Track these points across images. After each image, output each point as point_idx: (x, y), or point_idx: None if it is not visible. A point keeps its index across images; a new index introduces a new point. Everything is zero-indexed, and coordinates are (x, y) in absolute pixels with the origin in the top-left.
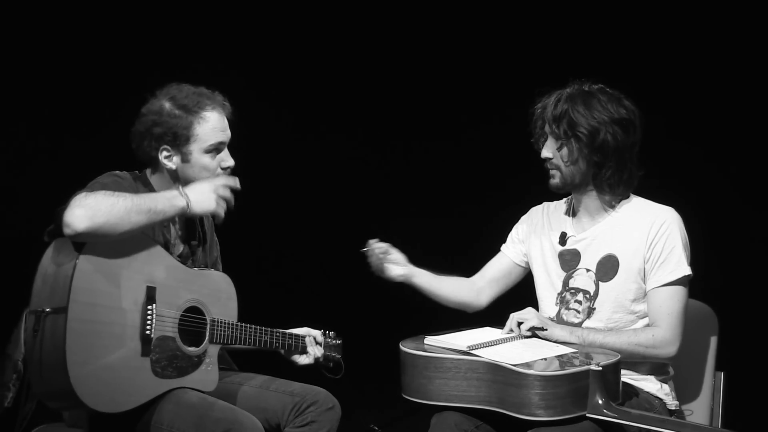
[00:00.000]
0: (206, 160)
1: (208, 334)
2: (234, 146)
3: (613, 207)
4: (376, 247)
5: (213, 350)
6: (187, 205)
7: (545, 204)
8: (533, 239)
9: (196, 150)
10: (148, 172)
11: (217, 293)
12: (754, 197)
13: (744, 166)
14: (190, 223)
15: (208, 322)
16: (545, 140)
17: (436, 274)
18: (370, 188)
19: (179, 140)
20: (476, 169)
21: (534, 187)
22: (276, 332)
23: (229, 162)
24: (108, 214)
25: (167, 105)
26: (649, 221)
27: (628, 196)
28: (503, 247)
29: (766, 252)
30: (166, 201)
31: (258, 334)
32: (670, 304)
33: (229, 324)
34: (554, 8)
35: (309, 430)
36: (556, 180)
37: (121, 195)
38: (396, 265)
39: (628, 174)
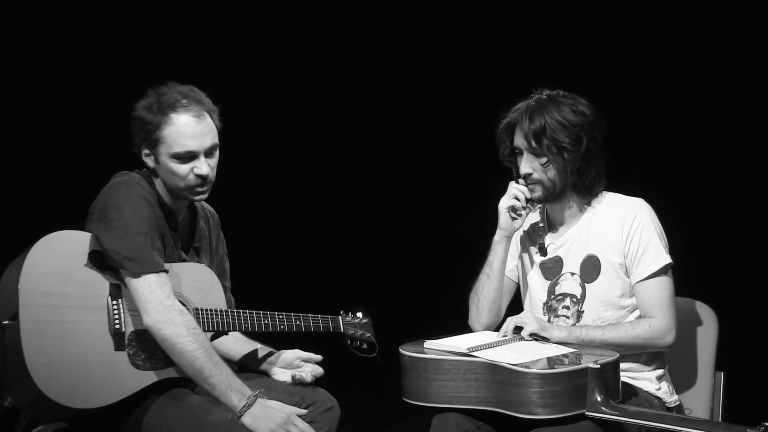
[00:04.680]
0: (174, 165)
1: None
2: (238, 145)
3: (586, 208)
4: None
5: None
6: (239, 410)
7: None
8: (517, 257)
9: (163, 153)
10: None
11: (197, 284)
12: (755, 196)
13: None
14: (192, 225)
15: (191, 311)
16: (520, 156)
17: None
18: (372, 195)
19: (150, 141)
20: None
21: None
22: (279, 314)
23: (202, 170)
24: (182, 354)
25: (151, 101)
26: (621, 216)
27: (600, 192)
28: None
29: (766, 251)
30: (229, 389)
31: (254, 318)
32: (657, 294)
33: (217, 311)
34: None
35: None
36: (537, 194)
37: (212, 352)
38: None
39: (605, 171)
